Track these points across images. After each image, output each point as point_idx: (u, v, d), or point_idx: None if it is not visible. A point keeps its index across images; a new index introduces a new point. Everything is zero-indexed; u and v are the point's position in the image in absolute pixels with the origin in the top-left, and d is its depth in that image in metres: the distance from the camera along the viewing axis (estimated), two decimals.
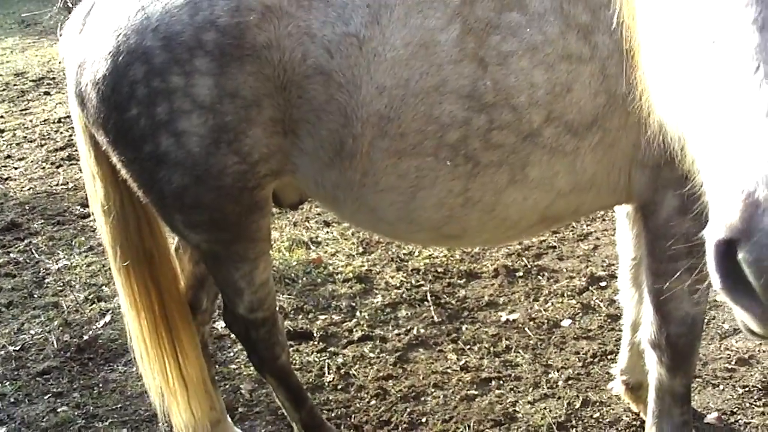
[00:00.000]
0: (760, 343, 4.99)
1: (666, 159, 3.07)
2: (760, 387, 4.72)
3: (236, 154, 3.39)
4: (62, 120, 10.30)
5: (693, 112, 1.50)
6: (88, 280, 6.43)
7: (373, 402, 4.85)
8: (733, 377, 4.85)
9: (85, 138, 3.74)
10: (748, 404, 4.62)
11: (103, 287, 6.26)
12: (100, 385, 5.17)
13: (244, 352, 4.52)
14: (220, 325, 5.38)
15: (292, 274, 6.31)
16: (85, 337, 5.62)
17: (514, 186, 3.39)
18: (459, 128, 3.30)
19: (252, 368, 4.64)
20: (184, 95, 3.29)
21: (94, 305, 6.05)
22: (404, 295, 5.94)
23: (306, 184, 3.60)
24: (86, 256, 6.81)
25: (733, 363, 4.97)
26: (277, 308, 5.65)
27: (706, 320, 5.23)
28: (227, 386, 5.09)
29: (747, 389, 4.72)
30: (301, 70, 3.30)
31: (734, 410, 4.59)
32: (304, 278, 6.26)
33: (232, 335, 5.02)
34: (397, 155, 3.36)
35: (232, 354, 5.41)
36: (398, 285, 6.08)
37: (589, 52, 3.22)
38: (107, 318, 5.84)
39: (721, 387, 4.78)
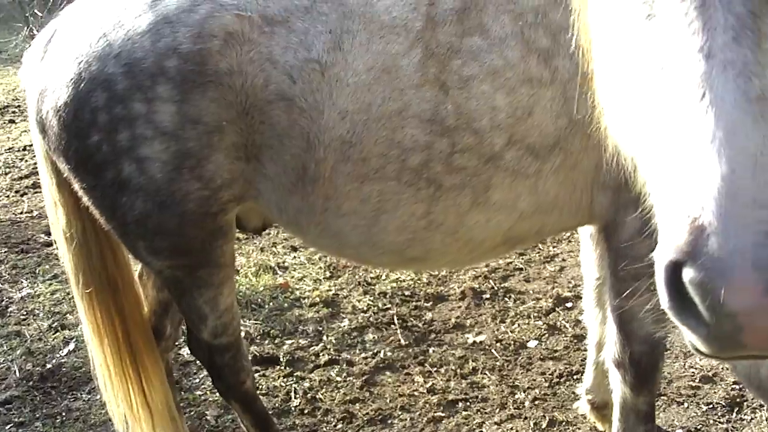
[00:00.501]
0: (725, 363, 5.04)
1: (626, 180, 3.11)
2: (723, 404, 4.77)
3: (199, 180, 3.39)
4: (27, 148, 10.22)
5: (643, 136, 1.53)
6: (51, 309, 6.36)
7: (339, 426, 4.84)
8: (698, 395, 4.90)
9: (46, 165, 3.72)
10: (712, 421, 4.66)
11: (67, 315, 6.20)
12: (63, 414, 5.11)
13: (210, 378, 4.49)
14: (186, 351, 5.34)
15: (259, 299, 6.29)
16: (49, 366, 5.56)
17: (477, 208, 3.41)
18: (421, 152, 3.32)
19: (217, 394, 4.62)
20: (146, 122, 3.29)
21: (57, 333, 5.99)
22: (371, 319, 5.94)
23: (269, 209, 3.60)
24: (50, 284, 6.74)
25: (697, 381, 5.01)
26: (244, 333, 5.66)
27: (671, 339, 5.28)
28: (192, 412, 5.06)
29: (711, 406, 4.77)
30: (264, 95, 3.31)
31: (698, 427, 4.63)
32: (271, 303, 6.25)
33: (198, 361, 4.99)
34: (359, 180, 3.38)
35: (197, 380, 5.38)
36: (365, 309, 6.08)
37: (550, 75, 3.26)
38: (71, 346, 5.78)
39: (686, 405, 4.82)
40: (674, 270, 1.31)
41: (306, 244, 4.32)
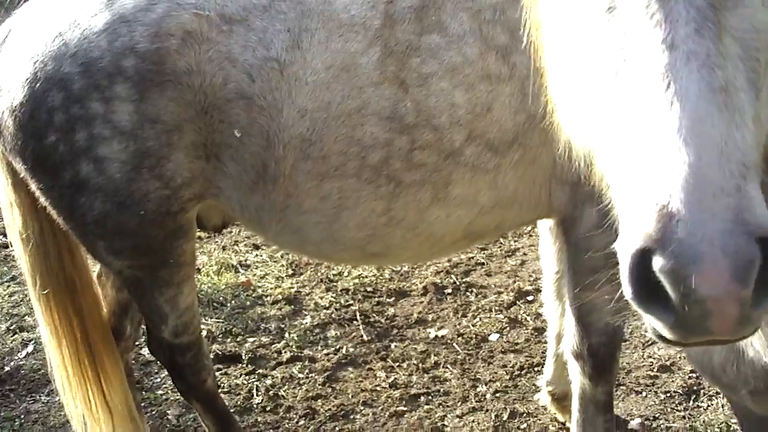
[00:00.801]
0: (680, 351, 5.13)
1: (583, 174, 3.16)
2: (681, 392, 4.86)
3: (159, 180, 3.38)
4: None
5: (603, 129, 1.54)
6: (10, 311, 6.28)
7: (302, 422, 4.85)
8: (656, 384, 4.97)
9: (2, 165, 3.69)
10: (670, 409, 4.74)
11: (26, 317, 6.13)
12: (22, 416, 5.06)
13: (171, 378, 4.47)
14: (147, 351, 5.31)
15: (221, 298, 6.27)
16: (7, 368, 5.50)
17: (437, 204, 3.44)
18: (381, 149, 3.34)
19: (179, 394, 4.60)
20: (104, 121, 3.27)
21: (16, 335, 5.92)
22: (333, 315, 5.95)
23: (230, 207, 3.60)
24: (8, 286, 6.66)
25: (655, 370, 5.09)
26: (206, 332, 5.64)
27: (629, 330, 5.36)
28: (154, 412, 5.03)
29: (669, 395, 4.85)
30: (222, 94, 3.31)
31: (657, 416, 4.71)
32: (233, 301, 6.23)
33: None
34: (319, 177, 3.40)
35: (158, 380, 5.35)
36: (327, 305, 6.09)
37: (508, 71, 3.30)
38: (29, 348, 5.72)
39: (644, 394, 4.90)
40: (641, 258, 1.33)
41: (267, 241, 4.32)
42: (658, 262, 1.29)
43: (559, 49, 1.73)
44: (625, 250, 1.37)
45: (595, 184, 1.96)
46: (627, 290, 1.38)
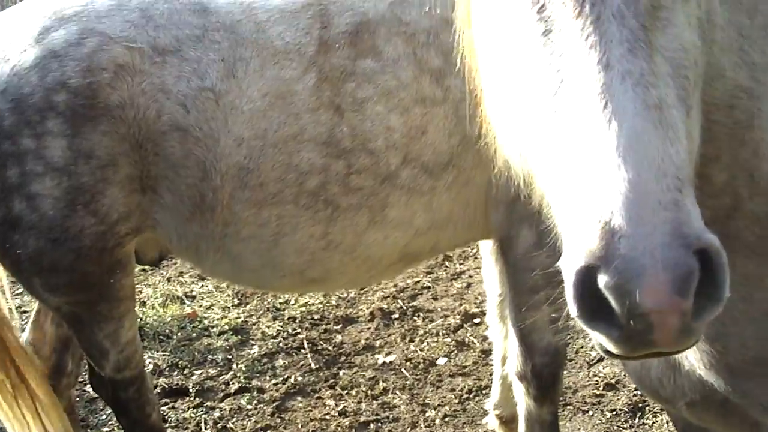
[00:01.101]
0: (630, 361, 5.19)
1: (519, 195, 3.19)
2: (626, 410, 4.91)
3: (94, 215, 3.35)
4: None
5: (543, 149, 1.56)
6: None
7: None
8: (602, 402, 5.02)
9: None
10: (616, 427, 4.79)
11: None
12: None
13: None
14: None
15: (167, 330, 6.21)
16: None
17: (375, 227, 3.46)
18: (318, 175, 3.36)
19: (124, 431, 4.53)
20: (36, 157, 3.24)
21: None
22: (281, 344, 5.93)
23: (168, 238, 3.58)
24: None
25: (601, 389, 5.14)
26: (152, 365, 5.57)
27: (574, 349, 5.42)
28: None
29: (615, 413, 4.90)
30: (157, 126, 3.30)
31: None
32: (179, 333, 6.17)
33: None
34: (257, 205, 3.39)
35: (104, 417, 5.26)
36: (275, 334, 6.06)
37: (442, 95, 3.35)
38: None
39: (591, 412, 4.94)
40: (586, 275, 1.35)
41: (204, 272, 4.29)
42: (602, 279, 1.32)
43: (495, 71, 1.75)
44: (569, 268, 1.38)
45: (534, 204, 1.98)
46: (572, 308, 1.39)
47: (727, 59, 1.96)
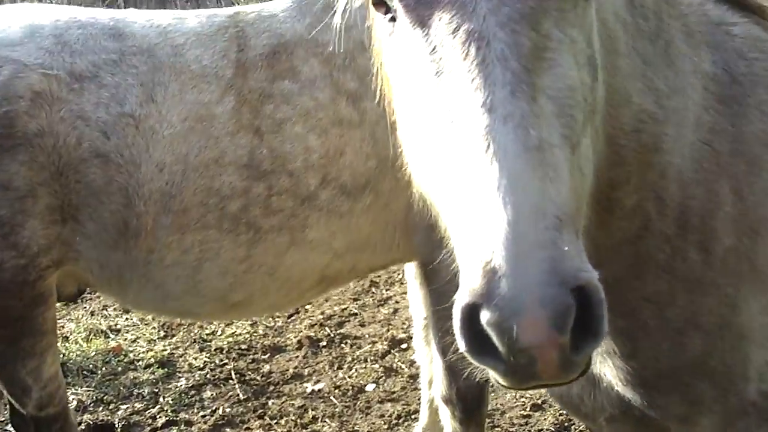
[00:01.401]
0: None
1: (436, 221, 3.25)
2: (553, 429, 4.99)
3: (13, 249, 3.30)
4: None
5: (439, 185, 1.62)
6: None
7: None
8: (529, 423, 5.09)
9: None
10: None
11: None
12: None
13: None
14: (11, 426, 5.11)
15: (91, 365, 6.10)
16: None
17: (295, 248, 3.48)
18: (239, 198, 3.37)
19: None
20: None
21: None
22: (209, 376, 5.87)
23: (90, 270, 3.53)
24: None
25: (527, 409, 5.21)
26: (76, 402, 5.46)
27: None
28: None
29: None
30: (77, 154, 3.27)
31: None
32: (104, 368, 6.06)
33: None
34: (181, 230, 3.39)
35: None
36: (202, 366, 6.00)
37: (359, 117, 3.40)
38: None
39: None
40: (470, 312, 1.40)
41: (126, 303, 4.24)
42: (484, 316, 1.37)
43: (404, 104, 1.81)
44: (456, 305, 1.44)
45: (441, 233, 2.02)
46: (461, 343, 1.45)
47: (633, 85, 2.05)
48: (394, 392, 5.52)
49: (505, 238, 1.37)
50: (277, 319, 6.48)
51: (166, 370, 5.98)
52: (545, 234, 1.38)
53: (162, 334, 6.50)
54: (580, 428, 4.95)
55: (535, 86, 1.51)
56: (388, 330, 6.32)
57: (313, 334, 6.33)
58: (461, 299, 1.42)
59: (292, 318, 6.50)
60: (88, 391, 5.75)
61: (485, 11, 1.54)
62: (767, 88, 2.30)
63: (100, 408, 5.56)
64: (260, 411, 5.42)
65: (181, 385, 5.77)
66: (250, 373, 5.88)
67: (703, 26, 2.31)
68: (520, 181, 1.41)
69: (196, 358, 6.09)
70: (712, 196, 2.16)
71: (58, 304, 5.57)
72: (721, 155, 2.18)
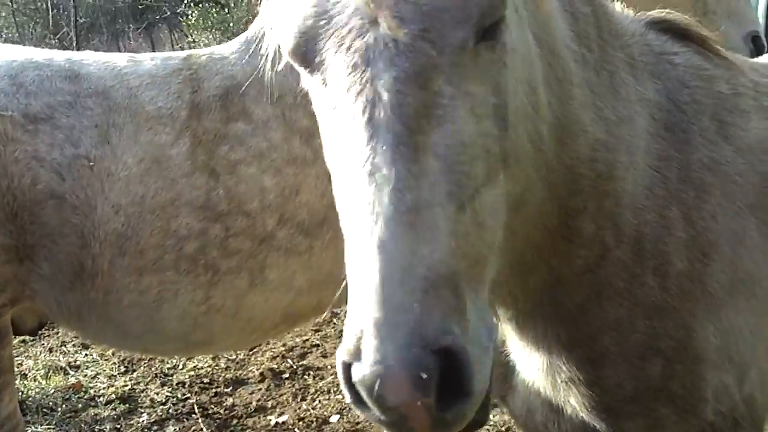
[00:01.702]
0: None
1: None
2: None
3: None
4: None
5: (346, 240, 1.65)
6: None
7: None
8: None
9: None
10: None
11: None
12: None
13: None
14: None
15: (51, 403, 6.02)
16: None
17: (255, 289, 3.48)
18: (196, 239, 3.37)
19: None
20: None
21: None
22: (171, 411, 5.82)
23: (47, 307, 3.51)
24: None
25: None
26: None
27: None
28: None
29: None
30: (32, 195, 3.26)
31: None
32: (64, 405, 5.99)
33: None
34: (138, 272, 3.38)
35: None
36: (164, 401, 5.95)
37: (313, 155, 3.42)
38: None
39: None
40: (347, 369, 1.47)
41: (87, 339, 4.22)
42: (355, 375, 1.44)
43: (325, 143, 1.85)
44: (337, 359, 1.51)
45: None
46: (346, 395, 1.52)
47: (587, 115, 2.10)
48: (358, 423, 5.51)
49: (372, 301, 1.42)
50: (238, 353, 6.45)
51: (127, 405, 5.93)
52: (411, 296, 1.42)
53: (122, 369, 6.45)
54: None
55: (418, 146, 1.52)
56: None
57: (275, 366, 6.32)
58: (340, 356, 1.49)
59: (254, 351, 6.48)
60: (48, 428, 5.68)
61: (373, 73, 1.56)
62: (710, 116, 2.37)
63: None
64: None
65: (143, 421, 5.72)
66: (213, 406, 5.85)
67: (646, 56, 2.37)
68: (389, 244, 1.45)
69: (157, 393, 6.05)
70: (664, 222, 2.21)
71: (16, 340, 5.53)
72: (670, 181, 2.24)
